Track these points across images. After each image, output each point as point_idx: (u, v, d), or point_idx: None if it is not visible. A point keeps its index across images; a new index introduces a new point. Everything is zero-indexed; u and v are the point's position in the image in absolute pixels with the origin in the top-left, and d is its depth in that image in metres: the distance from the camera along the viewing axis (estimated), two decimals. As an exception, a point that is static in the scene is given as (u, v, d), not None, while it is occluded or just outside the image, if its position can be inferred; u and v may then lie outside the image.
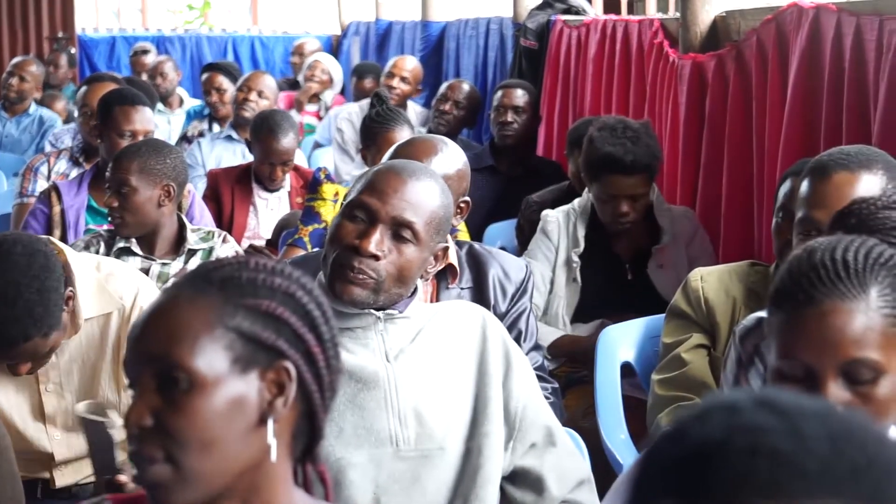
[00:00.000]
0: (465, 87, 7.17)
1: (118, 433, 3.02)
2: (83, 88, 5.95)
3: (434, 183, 2.60)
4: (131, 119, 4.86)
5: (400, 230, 2.53)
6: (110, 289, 3.19)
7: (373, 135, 5.09)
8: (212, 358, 1.63)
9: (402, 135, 4.87)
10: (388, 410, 2.49)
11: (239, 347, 1.64)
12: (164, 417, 1.61)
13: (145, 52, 10.74)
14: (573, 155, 5.40)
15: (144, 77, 9.62)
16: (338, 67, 9.58)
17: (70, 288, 2.98)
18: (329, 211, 4.68)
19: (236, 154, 6.77)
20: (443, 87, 7.22)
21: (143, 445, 1.62)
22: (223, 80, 7.68)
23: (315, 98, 9.29)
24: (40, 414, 3.15)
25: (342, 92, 10.17)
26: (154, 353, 1.63)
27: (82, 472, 3.17)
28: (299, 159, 6.27)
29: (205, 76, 7.87)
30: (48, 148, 6.95)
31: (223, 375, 1.63)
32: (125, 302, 3.20)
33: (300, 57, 10.53)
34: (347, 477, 2.45)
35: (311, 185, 4.87)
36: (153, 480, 1.62)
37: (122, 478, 2.94)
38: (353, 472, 2.46)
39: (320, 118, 9.05)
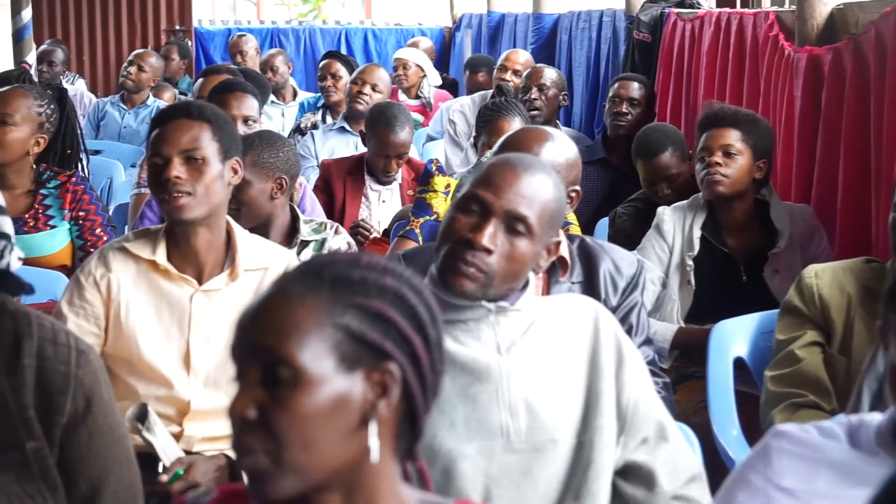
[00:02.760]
0: (549, 71, 7.12)
1: (159, 436, 3.11)
2: (199, 80, 6.04)
3: (548, 177, 2.61)
4: (229, 104, 4.93)
5: (513, 224, 2.53)
6: (269, 247, 3.36)
7: (487, 122, 5.13)
8: (319, 356, 1.63)
9: (514, 125, 4.89)
10: (499, 403, 2.50)
11: (346, 347, 1.64)
12: (268, 412, 1.62)
13: (242, 36, 10.85)
14: (639, 164, 5.35)
15: (241, 60, 9.74)
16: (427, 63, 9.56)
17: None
18: (440, 203, 4.69)
19: (349, 146, 6.81)
20: (523, 78, 7.18)
21: (245, 437, 1.63)
22: (340, 67, 7.75)
23: (416, 92, 9.30)
24: (186, 363, 3.26)
25: (449, 86, 10.19)
26: (262, 346, 1.63)
27: (213, 430, 3.25)
28: (411, 152, 6.30)
29: (323, 62, 7.95)
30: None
31: (329, 374, 1.63)
32: (280, 264, 3.31)
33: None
34: (459, 468, 2.46)
35: (422, 177, 4.89)
36: (253, 470, 1.63)
37: (163, 477, 3.01)
38: (465, 463, 2.47)
39: (424, 113, 9.07)
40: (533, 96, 6.88)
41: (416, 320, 1.69)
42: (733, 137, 4.49)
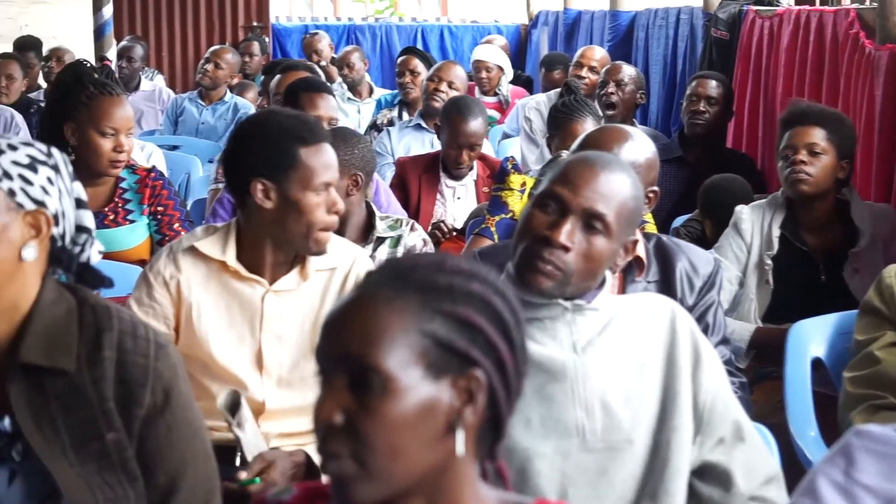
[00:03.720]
0: (627, 68, 7.08)
1: (248, 431, 3.11)
2: (277, 77, 6.08)
3: (626, 175, 2.60)
4: (316, 106, 4.94)
5: (591, 221, 2.52)
6: (336, 245, 3.31)
7: (558, 124, 5.11)
8: (407, 364, 1.62)
9: (587, 126, 4.87)
10: (575, 402, 2.49)
11: (433, 354, 1.63)
12: (355, 418, 1.62)
13: (315, 34, 10.89)
14: (707, 222, 5.25)
15: (316, 59, 9.78)
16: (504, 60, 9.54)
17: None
18: (516, 201, 4.69)
19: (425, 143, 6.81)
20: (602, 73, 7.15)
21: (330, 442, 1.63)
22: (418, 64, 7.77)
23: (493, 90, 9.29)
24: (258, 364, 3.26)
25: (525, 84, 10.17)
26: (349, 352, 1.63)
27: (289, 427, 3.26)
28: (486, 149, 6.30)
29: (401, 58, 7.98)
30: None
31: (416, 382, 1.62)
32: (347, 263, 3.31)
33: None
34: (534, 467, 2.46)
35: (498, 174, 4.89)
36: (338, 475, 1.63)
37: (242, 474, 3.02)
38: (540, 462, 2.47)
39: (500, 109, 9.06)
40: (610, 90, 6.85)
41: (502, 326, 1.68)
42: (818, 136, 4.44)
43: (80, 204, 2.40)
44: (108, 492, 2.30)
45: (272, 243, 3.22)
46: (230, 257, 3.23)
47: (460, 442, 1.65)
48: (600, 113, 5.51)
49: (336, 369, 1.64)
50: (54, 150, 2.38)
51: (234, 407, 3.11)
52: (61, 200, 2.34)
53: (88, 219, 2.41)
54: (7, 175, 2.27)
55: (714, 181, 5.33)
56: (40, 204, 2.31)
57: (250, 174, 3.16)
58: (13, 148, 2.31)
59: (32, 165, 2.31)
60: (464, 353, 1.65)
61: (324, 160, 3.20)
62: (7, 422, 2.31)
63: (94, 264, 2.43)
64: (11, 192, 2.27)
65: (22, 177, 2.29)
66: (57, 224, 2.33)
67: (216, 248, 3.25)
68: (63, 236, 2.36)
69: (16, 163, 2.29)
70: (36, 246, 2.31)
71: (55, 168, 2.35)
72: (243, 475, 3.00)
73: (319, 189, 3.18)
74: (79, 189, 2.41)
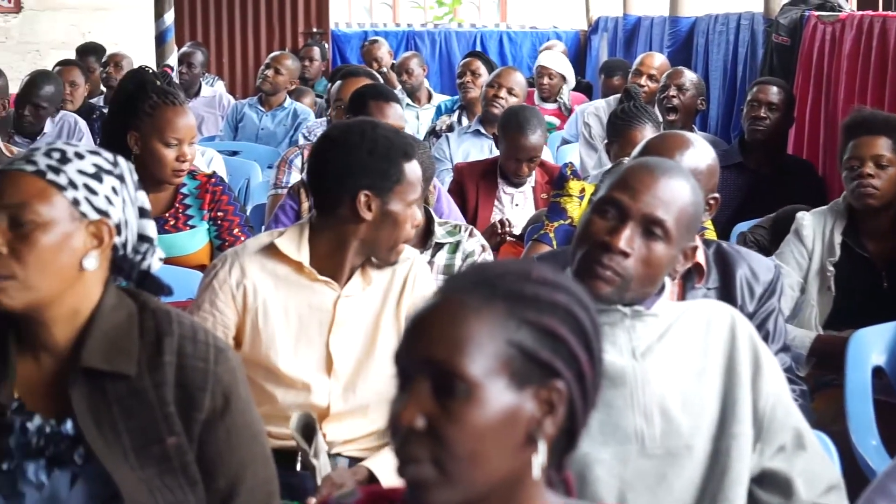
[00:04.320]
0: (688, 73, 7.05)
1: (322, 458, 3.12)
2: (337, 82, 6.09)
3: (685, 181, 2.59)
4: (385, 114, 4.93)
5: (650, 227, 2.52)
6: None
7: (618, 130, 5.09)
8: (492, 371, 1.62)
9: (646, 133, 4.85)
10: (634, 408, 2.49)
11: (517, 363, 1.63)
12: (438, 424, 1.62)
13: (374, 42, 10.93)
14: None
15: (376, 66, 9.81)
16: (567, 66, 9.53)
17: None
18: (575, 207, 4.68)
19: (483, 149, 6.81)
20: (663, 77, 7.12)
21: (410, 446, 1.63)
22: (480, 66, 7.80)
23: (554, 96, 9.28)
24: (326, 368, 3.27)
25: (584, 90, 10.15)
26: (435, 357, 1.63)
27: (354, 431, 3.27)
28: (545, 155, 6.28)
29: (464, 60, 8.02)
30: (302, 141, 7.13)
31: (501, 390, 1.62)
32: (405, 266, 3.33)
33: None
34: (593, 473, 2.45)
35: (557, 181, 4.88)
36: (416, 479, 1.64)
37: (312, 501, 3.03)
38: (599, 468, 2.46)
39: (560, 116, 9.06)
40: (671, 94, 6.81)
41: (584, 337, 1.69)
42: (884, 147, 4.40)
43: (143, 213, 2.42)
44: (169, 496, 2.32)
45: (356, 250, 3.24)
46: (305, 259, 3.24)
47: (542, 453, 1.66)
48: (660, 119, 5.48)
49: (419, 373, 1.64)
50: (120, 160, 2.40)
51: (305, 430, 3.12)
52: (125, 210, 2.36)
53: (151, 228, 2.43)
54: (72, 184, 2.30)
55: (787, 211, 5.31)
56: (104, 214, 2.33)
57: (356, 185, 3.18)
58: (80, 156, 2.33)
59: (98, 175, 2.33)
60: (547, 364, 1.65)
61: (419, 175, 3.26)
62: (69, 425, 2.33)
63: (154, 271, 2.46)
64: (76, 202, 2.30)
65: (87, 186, 2.31)
66: (119, 233, 2.35)
67: (292, 248, 3.26)
68: (125, 245, 2.38)
69: (82, 172, 2.31)
70: (97, 256, 2.33)
71: (120, 178, 2.37)
72: (313, 501, 3.02)
73: (412, 203, 3.22)
74: (143, 198, 2.43)
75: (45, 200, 2.28)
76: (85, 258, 2.32)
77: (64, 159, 2.32)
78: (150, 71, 4.57)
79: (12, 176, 2.30)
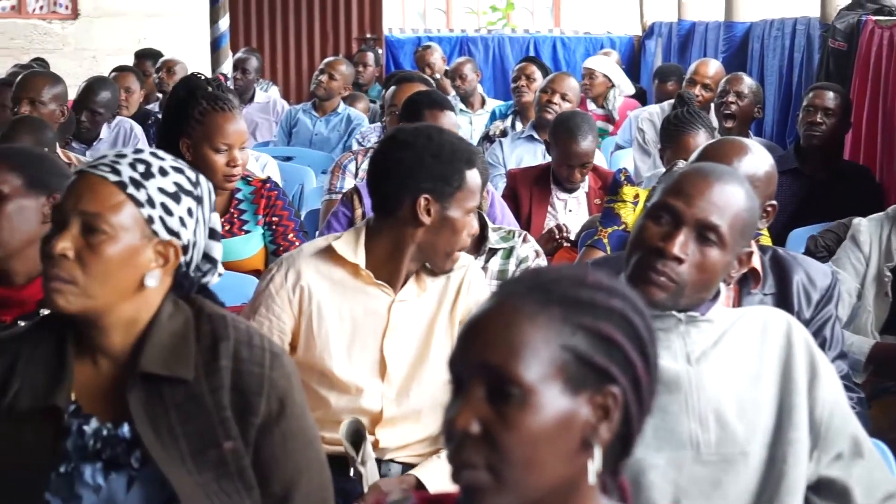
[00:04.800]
0: (747, 80, 7.01)
1: (370, 469, 3.13)
2: (392, 88, 6.10)
3: (740, 186, 2.57)
4: (439, 122, 4.92)
5: (705, 233, 2.51)
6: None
7: (671, 136, 5.08)
8: (547, 377, 1.62)
9: (700, 139, 4.83)
10: (688, 413, 2.48)
11: (572, 369, 1.63)
12: (493, 429, 1.62)
13: (428, 47, 10.95)
14: None
15: (429, 72, 9.83)
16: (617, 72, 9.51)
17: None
18: (629, 213, 4.67)
19: (536, 155, 6.81)
20: (722, 81, 7.08)
21: (465, 451, 1.63)
22: (535, 70, 7.84)
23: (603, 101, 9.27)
24: (379, 372, 3.27)
25: (637, 95, 10.12)
26: (490, 363, 1.63)
27: (407, 437, 3.28)
28: (599, 160, 6.27)
29: (520, 65, 8.04)
30: (355, 146, 7.15)
31: (556, 395, 1.62)
32: (459, 273, 3.33)
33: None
34: (647, 478, 2.45)
35: (611, 186, 4.87)
36: (471, 484, 1.63)
37: None
38: (653, 473, 2.45)
39: (608, 121, 9.04)
40: (730, 100, 6.77)
41: (640, 343, 1.68)
42: None
43: (212, 234, 2.43)
44: (226, 500, 2.33)
45: (412, 255, 3.24)
46: (361, 262, 3.25)
47: (597, 459, 1.65)
48: (714, 125, 5.45)
49: (474, 378, 1.64)
50: (202, 179, 2.40)
51: (355, 435, 3.13)
52: (196, 232, 2.37)
53: (217, 250, 2.44)
54: (150, 202, 2.30)
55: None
56: (175, 234, 2.34)
57: (417, 189, 3.18)
58: (164, 173, 2.33)
59: (177, 195, 2.33)
60: (602, 370, 1.65)
61: (479, 183, 3.26)
62: (126, 428, 2.34)
63: (210, 286, 2.47)
64: (150, 220, 2.30)
65: (164, 206, 2.31)
66: (185, 253, 2.36)
67: (348, 252, 3.27)
68: (189, 263, 2.39)
69: (162, 190, 2.32)
70: (160, 274, 2.34)
71: (198, 199, 2.37)
72: None
73: (471, 211, 3.22)
74: (215, 220, 2.43)
75: (120, 214, 2.29)
76: (147, 275, 2.33)
77: (148, 174, 2.32)
78: (202, 77, 4.59)
79: (94, 182, 2.31)
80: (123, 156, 2.34)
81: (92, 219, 2.28)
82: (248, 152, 4.52)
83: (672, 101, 7.34)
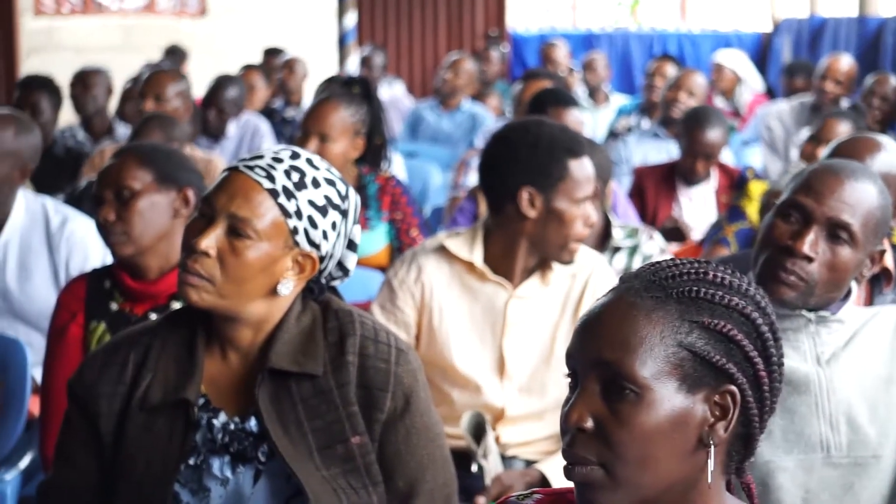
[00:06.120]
0: (893, 81, 6.89)
1: (492, 461, 3.12)
2: (520, 85, 6.10)
3: (872, 183, 2.53)
4: (563, 119, 4.92)
5: (835, 231, 2.46)
6: (580, 254, 3.31)
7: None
8: (663, 374, 1.60)
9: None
10: (818, 415, 2.44)
11: (689, 366, 1.61)
12: (606, 425, 1.61)
13: (553, 44, 10.93)
14: None
15: (552, 68, 9.81)
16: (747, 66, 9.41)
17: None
18: (755, 210, 4.62)
19: (661, 152, 6.77)
20: (868, 82, 6.96)
21: (578, 447, 1.62)
22: (670, 69, 7.79)
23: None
24: (500, 369, 3.28)
25: (767, 92, 10.01)
26: (605, 359, 1.61)
27: (529, 434, 3.28)
28: (727, 157, 6.22)
29: (656, 63, 8.01)
30: (480, 143, 7.16)
31: (671, 393, 1.60)
32: (587, 270, 3.32)
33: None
34: (776, 481, 2.41)
35: (737, 183, 4.83)
36: (584, 481, 1.62)
37: (481, 500, 3.03)
38: (782, 476, 2.42)
39: (735, 115, 8.95)
40: (875, 104, 6.68)
41: (761, 341, 1.65)
42: None
43: (350, 245, 2.44)
44: (353, 496, 2.34)
45: (526, 249, 3.24)
46: (477, 258, 3.26)
47: (712, 459, 1.63)
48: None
49: (589, 374, 1.63)
50: (351, 193, 2.41)
51: (476, 429, 3.13)
52: (335, 245, 2.39)
53: (352, 260, 2.45)
54: (298, 214, 2.32)
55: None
56: (315, 246, 2.35)
57: (518, 181, 3.18)
58: (316, 185, 2.34)
59: (324, 209, 2.34)
60: (720, 367, 1.62)
61: (587, 173, 3.24)
62: (253, 422, 2.36)
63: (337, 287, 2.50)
64: (295, 231, 2.32)
65: (310, 218, 2.33)
66: (321, 263, 2.38)
67: (464, 249, 3.27)
68: (322, 272, 2.41)
69: (311, 203, 2.33)
70: (294, 283, 2.36)
71: (344, 213, 2.39)
72: (482, 500, 3.03)
73: (581, 202, 3.20)
74: (356, 232, 2.44)
75: (268, 222, 2.31)
76: (282, 283, 2.35)
77: (301, 184, 2.33)
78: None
79: (247, 185, 2.32)
80: (280, 160, 2.35)
81: (239, 223, 2.30)
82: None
83: (801, 98, 7.25)
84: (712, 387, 1.62)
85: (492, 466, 3.12)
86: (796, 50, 11.13)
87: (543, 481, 3.14)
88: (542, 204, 3.18)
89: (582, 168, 3.21)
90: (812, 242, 2.46)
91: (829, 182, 2.50)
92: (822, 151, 4.94)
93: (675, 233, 5.47)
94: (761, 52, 12.33)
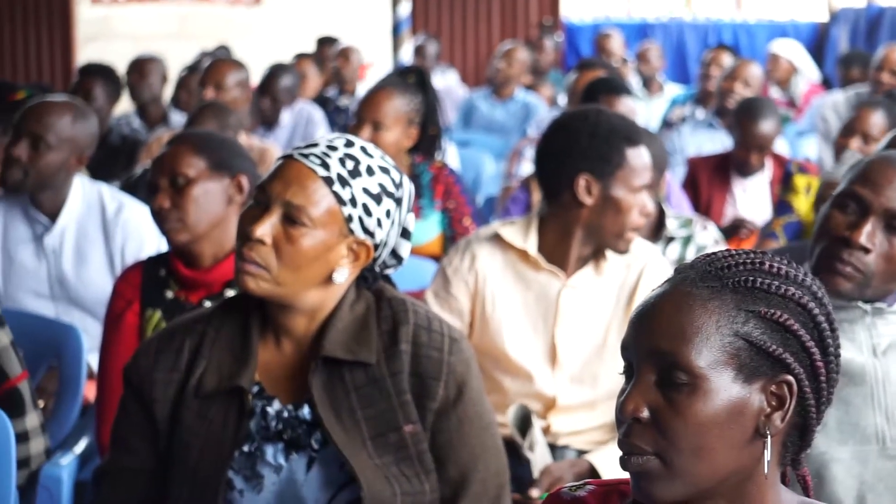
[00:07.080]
0: None
1: (538, 453, 3.11)
2: (574, 75, 6.09)
3: (932, 174, 2.50)
4: (615, 108, 4.90)
5: (893, 222, 2.45)
6: (634, 244, 3.30)
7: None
8: (719, 364, 1.60)
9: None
10: (874, 407, 2.42)
11: (745, 356, 1.60)
12: (662, 415, 1.60)
13: (607, 34, 10.90)
14: None
15: (606, 58, 9.79)
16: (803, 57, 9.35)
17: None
18: (801, 203, 4.60)
19: (715, 142, 6.73)
20: None
21: (634, 437, 1.61)
22: (726, 59, 7.76)
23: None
24: (551, 358, 3.28)
25: (823, 81, 9.93)
26: (661, 349, 1.61)
27: (581, 424, 3.27)
28: (782, 148, 6.18)
29: (712, 53, 7.98)
30: (533, 132, 7.15)
31: (727, 383, 1.60)
32: (641, 261, 3.31)
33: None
34: (830, 472, 2.40)
35: (783, 177, 4.80)
36: (640, 471, 1.62)
37: (534, 491, 3.02)
38: (837, 467, 2.41)
39: (791, 106, 8.89)
40: None
41: (817, 331, 1.64)
42: None
43: (404, 233, 2.45)
44: (406, 484, 2.35)
45: (581, 238, 3.24)
46: (531, 247, 3.25)
47: (768, 449, 1.62)
48: None
49: (644, 364, 1.63)
50: (405, 181, 2.42)
51: (523, 421, 3.13)
52: (389, 233, 2.39)
53: (405, 248, 2.46)
54: (353, 202, 2.33)
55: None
56: (369, 234, 2.36)
57: (576, 168, 3.18)
58: (370, 172, 2.36)
59: (379, 196, 2.35)
60: (777, 358, 1.61)
61: (645, 162, 3.23)
62: (306, 410, 2.38)
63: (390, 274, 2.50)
64: (349, 219, 2.33)
65: (365, 206, 2.34)
66: (375, 251, 2.39)
67: (518, 237, 3.27)
68: (376, 260, 2.42)
69: (366, 191, 2.34)
70: (349, 271, 2.37)
71: (398, 201, 2.39)
72: (535, 492, 3.03)
73: (638, 190, 3.19)
74: (409, 220, 2.45)
75: (323, 210, 2.32)
76: (337, 270, 2.36)
77: (355, 172, 2.34)
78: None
79: (302, 173, 2.33)
80: (335, 148, 2.36)
81: (295, 211, 2.31)
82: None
83: (857, 89, 7.18)
84: (769, 377, 1.61)
85: (538, 458, 3.12)
86: (853, 40, 11.05)
87: (592, 472, 3.14)
88: (599, 191, 3.17)
89: (640, 156, 3.20)
90: (869, 233, 2.44)
91: (886, 173, 2.48)
92: (854, 142, 4.93)
93: (733, 230, 5.44)
94: (817, 42, 12.24)
